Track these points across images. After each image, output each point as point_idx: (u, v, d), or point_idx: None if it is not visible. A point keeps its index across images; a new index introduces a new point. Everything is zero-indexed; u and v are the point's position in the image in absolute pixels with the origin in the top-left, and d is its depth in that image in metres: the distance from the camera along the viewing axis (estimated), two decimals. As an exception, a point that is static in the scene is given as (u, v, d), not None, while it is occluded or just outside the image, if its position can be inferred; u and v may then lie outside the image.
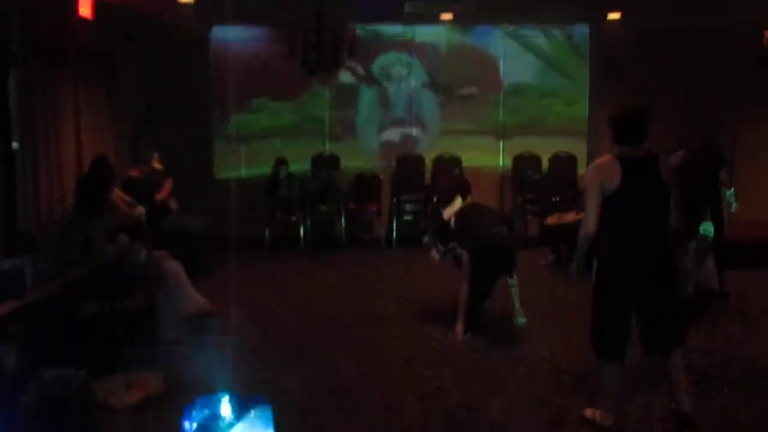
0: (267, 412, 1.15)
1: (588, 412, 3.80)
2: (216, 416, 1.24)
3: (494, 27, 9.48)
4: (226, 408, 1.29)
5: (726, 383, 4.32)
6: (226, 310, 5.93)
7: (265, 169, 9.10)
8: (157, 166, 7.29)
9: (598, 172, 3.56)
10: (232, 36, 9.18)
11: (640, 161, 3.53)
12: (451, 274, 5.81)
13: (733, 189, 6.67)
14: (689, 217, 4.23)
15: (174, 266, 5.41)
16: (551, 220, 7.88)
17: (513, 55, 9.57)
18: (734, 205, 6.55)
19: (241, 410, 1.28)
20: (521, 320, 5.54)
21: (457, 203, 5.63)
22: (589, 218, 3.57)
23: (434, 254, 5.72)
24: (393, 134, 9.70)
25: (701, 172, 5.44)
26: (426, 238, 5.84)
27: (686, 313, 4.36)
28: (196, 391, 3.15)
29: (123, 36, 7.81)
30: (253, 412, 1.27)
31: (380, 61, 9.56)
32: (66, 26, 6.51)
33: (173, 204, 7.39)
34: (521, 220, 9.07)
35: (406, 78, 9.61)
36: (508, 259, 5.39)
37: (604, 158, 3.59)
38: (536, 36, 9.54)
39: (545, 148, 9.52)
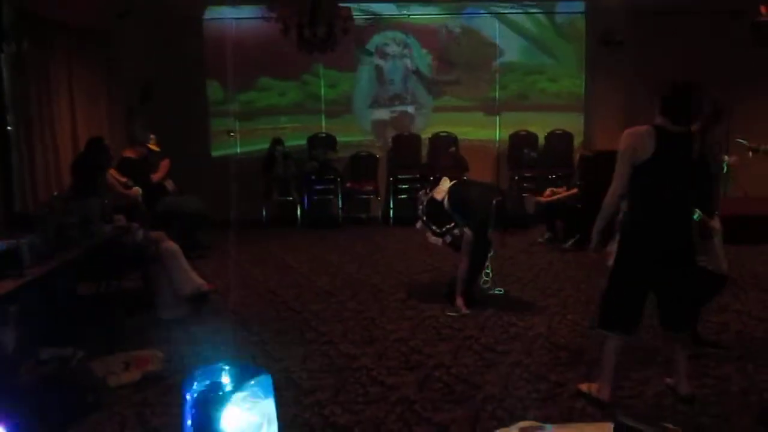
0: (267, 381, 1.15)
1: (584, 387, 3.82)
2: (216, 385, 1.25)
3: (485, 7, 9.46)
4: (226, 378, 1.30)
5: (720, 354, 4.34)
6: (224, 290, 5.95)
7: (263, 148, 9.09)
8: (154, 147, 7.26)
9: (633, 139, 3.51)
10: (227, 14, 9.13)
11: (676, 136, 3.49)
12: (447, 252, 5.81)
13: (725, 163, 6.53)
14: (713, 194, 4.22)
15: (171, 247, 5.40)
16: (544, 197, 7.86)
17: (502, 35, 9.59)
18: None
19: (241, 379, 1.29)
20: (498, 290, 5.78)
21: (446, 184, 5.60)
22: (618, 181, 3.54)
23: (432, 238, 5.60)
24: (388, 112, 9.68)
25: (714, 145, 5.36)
26: (419, 225, 5.76)
27: (710, 291, 4.39)
28: (195, 369, 3.17)
29: (117, 13, 7.74)
30: (253, 381, 1.28)
31: (376, 40, 9.51)
32: (60, 2, 6.45)
33: (170, 184, 7.37)
34: (518, 198, 9.03)
35: (401, 57, 9.57)
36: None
37: (641, 127, 3.53)
38: (522, 18, 9.56)
39: (541, 125, 9.50)
